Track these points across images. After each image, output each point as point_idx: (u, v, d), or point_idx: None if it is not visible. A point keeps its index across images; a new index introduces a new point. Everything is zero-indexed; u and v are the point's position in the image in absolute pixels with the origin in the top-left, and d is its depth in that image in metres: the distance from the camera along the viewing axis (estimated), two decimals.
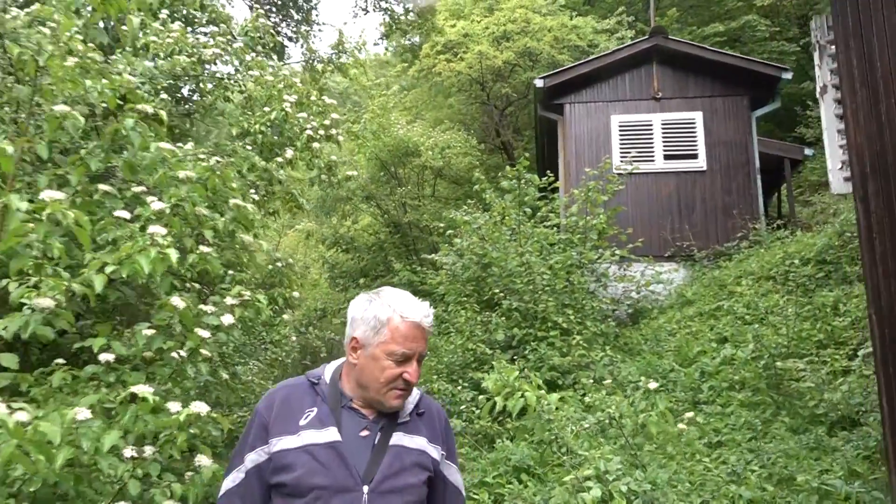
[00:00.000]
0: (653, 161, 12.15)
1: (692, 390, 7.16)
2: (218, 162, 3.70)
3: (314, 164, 5.09)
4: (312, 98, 5.39)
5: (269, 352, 5.38)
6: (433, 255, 10.59)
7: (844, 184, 3.54)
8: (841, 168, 3.51)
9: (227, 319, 3.20)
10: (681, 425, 3.01)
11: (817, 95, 3.82)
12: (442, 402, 8.16)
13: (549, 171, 11.33)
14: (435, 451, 2.01)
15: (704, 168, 12.12)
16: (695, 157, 12.19)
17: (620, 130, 12.41)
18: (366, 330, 1.95)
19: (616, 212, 9.97)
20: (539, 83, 12.43)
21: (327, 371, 2.07)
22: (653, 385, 3.10)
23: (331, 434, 1.90)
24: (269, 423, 1.94)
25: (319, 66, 13.41)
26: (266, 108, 4.99)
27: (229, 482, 1.96)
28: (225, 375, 3.68)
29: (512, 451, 6.45)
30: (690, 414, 4.10)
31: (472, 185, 18.50)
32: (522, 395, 3.00)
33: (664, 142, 12.26)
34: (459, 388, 7.77)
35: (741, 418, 6.37)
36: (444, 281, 10.48)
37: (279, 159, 4.79)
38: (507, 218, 9.19)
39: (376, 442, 1.93)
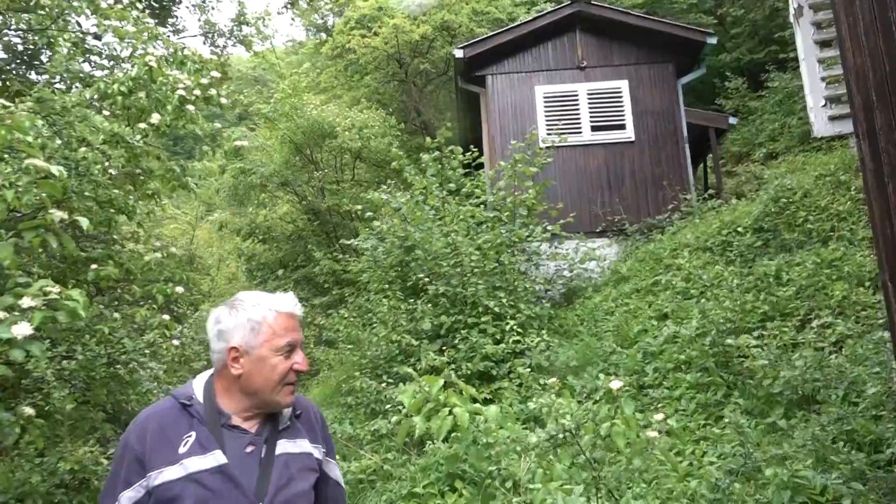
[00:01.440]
0: (580, 133, 11.61)
1: (636, 373, 6.62)
2: (4, 108, 2.77)
3: (188, 131, 4.21)
4: (186, 52, 4.47)
5: (134, 364, 4.46)
6: (352, 240, 9.74)
7: (830, 124, 2.97)
8: (825, 105, 2.94)
9: (21, 330, 2.30)
10: (650, 432, 2.38)
11: (791, 19, 3.23)
12: (367, 401, 7.41)
13: (472, 147, 10.65)
14: (318, 451, 1.97)
15: (633, 139, 11.67)
16: (622, 127, 11.72)
17: (546, 102, 11.82)
18: (244, 335, 1.86)
19: (545, 186, 9.36)
20: (459, 53, 11.69)
21: (197, 389, 1.91)
22: (615, 384, 2.43)
23: (216, 458, 1.78)
24: (144, 456, 1.77)
25: (220, 41, 12.29)
26: (127, 66, 4.07)
27: None
28: (29, 411, 2.75)
29: (444, 455, 5.76)
30: (660, 416, 3.46)
31: (392, 166, 17.71)
32: (451, 413, 2.25)
33: (591, 112, 11.74)
34: (384, 384, 7.02)
35: (692, 402, 5.86)
36: (367, 268, 9.69)
37: (142, 125, 3.89)
38: (429, 196, 8.44)
39: (263, 455, 1.85)
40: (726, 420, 5.12)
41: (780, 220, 8.20)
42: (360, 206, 9.69)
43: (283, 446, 1.89)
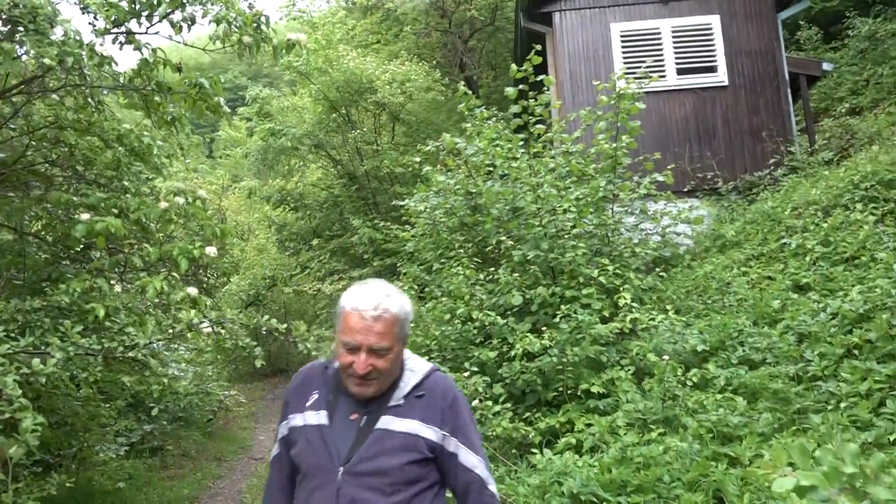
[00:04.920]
0: (664, 77, 10.02)
1: (792, 360, 5.15)
2: None
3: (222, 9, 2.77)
4: None
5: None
6: (405, 200, 8.28)
7: None
8: None
9: None
10: None
11: None
12: None
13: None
14: (431, 432, 1.99)
15: (726, 83, 10.06)
16: (713, 70, 10.11)
17: (623, 41, 10.23)
18: (336, 321, 2.03)
19: (636, 133, 7.74)
20: None
21: None
22: None
23: (320, 417, 2.01)
24: (289, 401, 2.13)
25: None
26: None
27: (274, 450, 2.18)
28: None
29: (563, 469, 4.36)
30: None
31: (433, 128, 16.14)
32: None
33: (676, 53, 10.14)
34: (466, 372, 5.61)
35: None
36: (420, 233, 8.25)
37: None
38: (512, 142, 6.91)
39: (361, 425, 1.98)
40: None
41: None
42: (416, 160, 8.19)
43: (386, 422, 1.98)
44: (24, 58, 2.64)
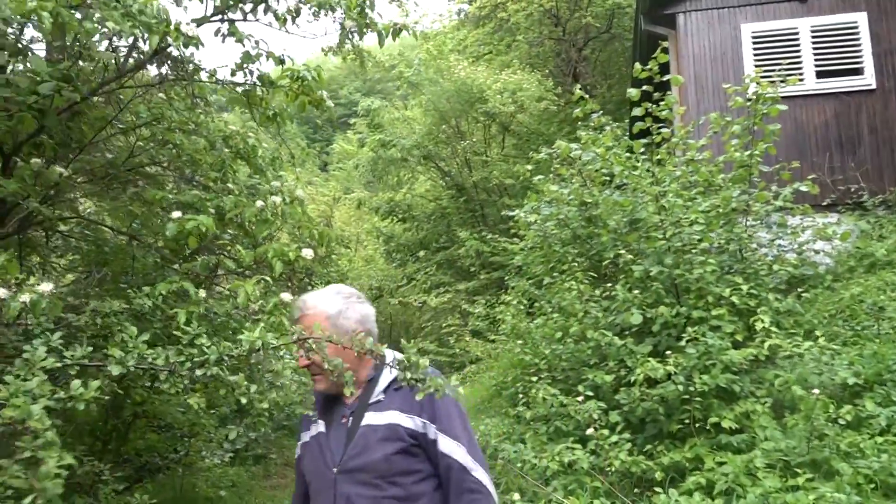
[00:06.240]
0: (802, 80, 9.17)
1: None
2: None
3: None
4: None
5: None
6: (515, 212, 7.87)
7: None
8: None
9: None
10: None
11: None
12: (549, 415, 5.60)
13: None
14: (410, 421, 2.03)
15: (873, 86, 9.07)
16: (859, 72, 9.16)
17: (755, 43, 9.46)
18: None
19: (772, 138, 6.98)
20: None
21: None
22: None
23: (319, 426, 2.16)
24: (301, 424, 2.27)
25: None
26: None
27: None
28: None
29: None
30: None
31: (544, 139, 15.70)
32: None
33: (816, 55, 9.26)
34: (580, 397, 5.14)
35: None
36: (530, 245, 7.84)
37: None
38: (630, 150, 6.41)
39: (349, 426, 2.08)
40: None
41: None
42: (529, 168, 7.80)
43: (369, 418, 2.05)
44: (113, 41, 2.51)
